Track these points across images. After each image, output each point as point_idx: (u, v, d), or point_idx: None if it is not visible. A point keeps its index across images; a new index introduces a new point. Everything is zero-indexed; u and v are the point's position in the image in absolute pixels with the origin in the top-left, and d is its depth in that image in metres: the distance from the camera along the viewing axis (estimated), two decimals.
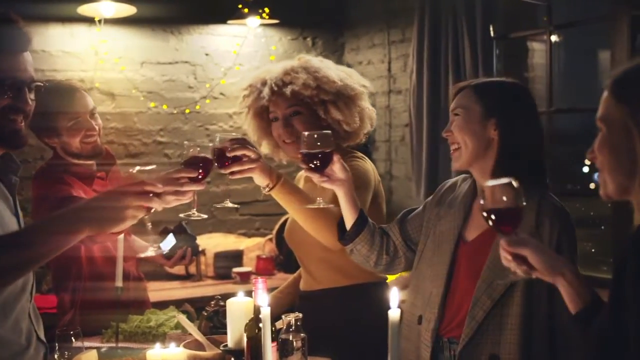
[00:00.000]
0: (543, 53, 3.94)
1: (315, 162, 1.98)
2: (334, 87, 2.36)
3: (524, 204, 1.55)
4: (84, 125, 2.58)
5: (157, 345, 2.07)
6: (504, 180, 1.55)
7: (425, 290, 2.09)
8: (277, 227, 4.59)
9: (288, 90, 2.34)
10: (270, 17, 4.64)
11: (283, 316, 1.97)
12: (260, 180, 2.13)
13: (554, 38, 3.76)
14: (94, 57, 4.50)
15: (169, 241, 2.64)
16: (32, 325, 1.74)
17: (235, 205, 2.23)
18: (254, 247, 4.61)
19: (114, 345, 2.37)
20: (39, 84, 1.69)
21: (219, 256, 4.44)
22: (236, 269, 4.37)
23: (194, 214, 2.03)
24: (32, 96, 1.68)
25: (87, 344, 2.20)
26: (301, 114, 2.37)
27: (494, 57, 3.86)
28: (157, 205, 1.63)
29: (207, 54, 4.81)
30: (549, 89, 3.72)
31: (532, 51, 4.16)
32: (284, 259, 4.53)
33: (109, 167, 2.71)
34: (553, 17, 3.76)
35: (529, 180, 1.99)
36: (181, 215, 2.05)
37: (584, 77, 4.44)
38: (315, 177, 2.02)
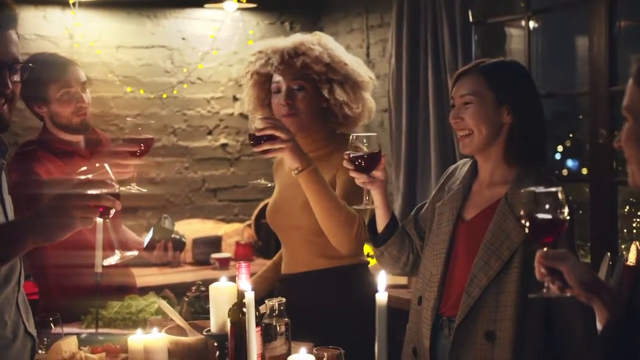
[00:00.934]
0: (521, 39, 3.95)
1: (360, 162, 2.02)
2: (344, 69, 2.39)
3: (567, 216, 1.42)
4: (75, 96, 2.57)
5: (139, 330, 2.06)
6: (552, 188, 1.42)
7: (426, 271, 2.11)
8: (255, 212, 4.57)
9: (299, 61, 2.34)
10: (248, 1, 4.59)
11: (266, 301, 1.97)
12: (290, 161, 2.17)
13: (531, 24, 3.77)
14: (69, 41, 4.42)
15: (149, 235, 2.66)
16: (20, 317, 1.69)
17: (272, 184, 2.24)
18: (232, 232, 4.59)
19: (93, 331, 2.34)
20: (25, 64, 1.65)
21: (197, 242, 4.41)
22: (215, 255, 4.35)
23: (133, 187, 2.11)
24: (17, 78, 1.62)
25: (66, 330, 2.18)
26: (305, 90, 2.37)
27: (472, 43, 3.87)
28: (110, 204, 1.58)
29: (183, 38, 4.74)
30: None
31: (510, 37, 4.16)
32: (262, 245, 4.52)
33: (96, 145, 2.69)
34: (531, 3, 3.77)
35: (530, 161, 2.01)
36: (122, 188, 2.06)
37: (562, 63, 4.46)
38: (362, 179, 2.05)
